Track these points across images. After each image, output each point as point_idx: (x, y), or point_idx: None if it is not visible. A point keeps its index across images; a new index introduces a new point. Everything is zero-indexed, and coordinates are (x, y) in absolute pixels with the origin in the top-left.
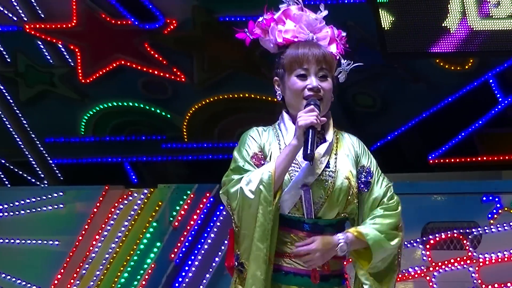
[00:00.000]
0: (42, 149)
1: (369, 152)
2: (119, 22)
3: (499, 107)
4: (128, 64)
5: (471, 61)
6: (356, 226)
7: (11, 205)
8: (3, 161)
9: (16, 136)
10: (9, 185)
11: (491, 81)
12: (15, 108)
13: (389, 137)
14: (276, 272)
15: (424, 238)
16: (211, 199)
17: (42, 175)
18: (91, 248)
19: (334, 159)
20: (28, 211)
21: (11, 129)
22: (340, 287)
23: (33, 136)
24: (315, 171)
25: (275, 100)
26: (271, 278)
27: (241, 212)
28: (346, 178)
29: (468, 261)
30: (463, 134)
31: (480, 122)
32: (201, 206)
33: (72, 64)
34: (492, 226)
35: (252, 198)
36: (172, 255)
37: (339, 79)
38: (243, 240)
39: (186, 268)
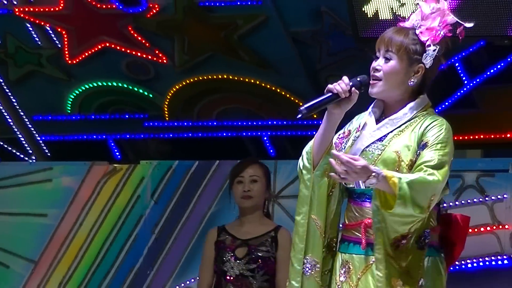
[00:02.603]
0: (30, 126)
1: (441, 130)
2: (104, 6)
3: (465, 89)
4: (113, 46)
5: None
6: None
7: (0, 179)
8: None
9: (6, 114)
10: None
11: (457, 64)
12: (5, 87)
13: None
14: (341, 242)
15: None
16: (191, 175)
17: (30, 151)
18: (77, 220)
19: (394, 135)
20: (17, 185)
21: (1, 107)
22: None
23: (22, 114)
24: (362, 143)
25: (252, 81)
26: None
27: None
28: (394, 151)
29: None
30: None
31: (447, 103)
32: (181, 181)
33: (59, 46)
34: (456, 202)
35: (300, 168)
36: (153, 228)
37: (425, 64)
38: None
39: (167, 240)
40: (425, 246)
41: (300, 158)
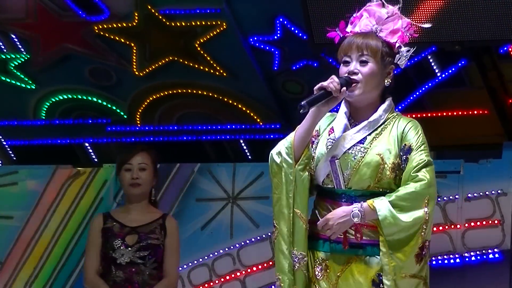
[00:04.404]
0: None
1: (418, 132)
2: (68, 15)
3: (417, 93)
4: (76, 53)
5: None
6: (378, 198)
7: None
8: None
9: None
10: None
11: (409, 69)
12: None
13: None
14: (314, 240)
15: None
16: None
17: None
18: (42, 222)
19: (373, 137)
20: None
21: None
22: None
23: None
24: (344, 145)
25: (211, 86)
26: (311, 244)
27: (272, 176)
28: (378, 154)
29: None
30: None
31: (400, 107)
32: None
33: (25, 53)
34: None
35: (278, 162)
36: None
37: (399, 64)
38: (275, 203)
39: None
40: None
41: (275, 154)
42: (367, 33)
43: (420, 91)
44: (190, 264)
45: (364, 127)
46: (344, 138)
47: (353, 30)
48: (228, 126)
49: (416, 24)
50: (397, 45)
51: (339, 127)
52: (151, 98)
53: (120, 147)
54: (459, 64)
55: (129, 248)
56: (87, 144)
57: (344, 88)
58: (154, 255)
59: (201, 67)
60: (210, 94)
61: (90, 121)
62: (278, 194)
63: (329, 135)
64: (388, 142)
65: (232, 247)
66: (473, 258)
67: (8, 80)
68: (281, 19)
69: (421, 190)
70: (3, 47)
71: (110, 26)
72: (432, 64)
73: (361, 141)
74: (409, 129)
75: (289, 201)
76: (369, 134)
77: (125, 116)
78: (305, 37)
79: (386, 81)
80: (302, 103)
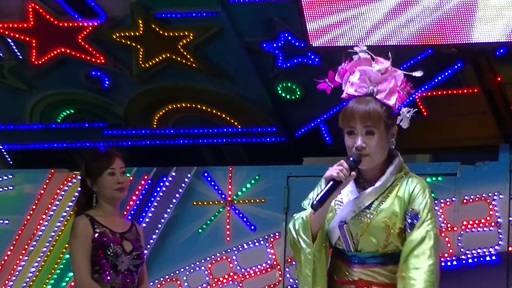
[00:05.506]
0: None
1: (426, 196)
2: (64, 19)
3: (413, 96)
4: (72, 57)
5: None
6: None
7: None
8: None
9: None
10: None
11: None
12: None
13: (312, 124)
14: None
15: None
16: (149, 181)
17: None
18: (38, 226)
19: (381, 201)
20: None
21: None
22: None
23: None
24: (351, 210)
25: (207, 89)
26: None
27: (291, 249)
28: (383, 221)
29: None
30: None
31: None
32: (140, 187)
33: (21, 58)
34: None
35: (296, 239)
36: None
37: (402, 125)
38: (297, 276)
39: None
40: None
41: (292, 229)
42: (366, 99)
43: (416, 94)
44: (187, 267)
45: (371, 192)
46: (352, 203)
47: (349, 92)
48: (225, 129)
49: (409, 74)
50: (396, 106)
51: (346, 189)
52: (147, 102)
53: (87, 152)
54: (456, 67)
55: (128, 256)
56: (83, 148)
57: (354, 172)
58: (142, 263)
59: (198, 70)
60: (207, 98)
61: (87, 125)
62: (298, 271)
63: (338, 198)
64: (394, 205)
65: (229, 250)
66: (470, 261)
67: (4, 85)
68: (277, 21)
69: (433, 275)
70: None
71: (106, 29)
72: (428, 66)
73: (368, 206)
74: (418, 192)
75: (307, 279)
76: (376, 199)
77: (122, 120)
78: (301, 39)
79: (390, 144)
80: (314, 204)
